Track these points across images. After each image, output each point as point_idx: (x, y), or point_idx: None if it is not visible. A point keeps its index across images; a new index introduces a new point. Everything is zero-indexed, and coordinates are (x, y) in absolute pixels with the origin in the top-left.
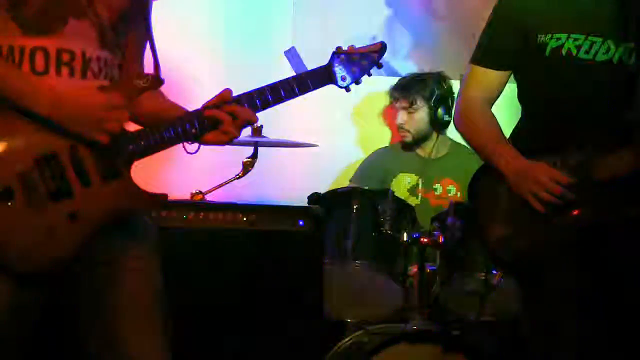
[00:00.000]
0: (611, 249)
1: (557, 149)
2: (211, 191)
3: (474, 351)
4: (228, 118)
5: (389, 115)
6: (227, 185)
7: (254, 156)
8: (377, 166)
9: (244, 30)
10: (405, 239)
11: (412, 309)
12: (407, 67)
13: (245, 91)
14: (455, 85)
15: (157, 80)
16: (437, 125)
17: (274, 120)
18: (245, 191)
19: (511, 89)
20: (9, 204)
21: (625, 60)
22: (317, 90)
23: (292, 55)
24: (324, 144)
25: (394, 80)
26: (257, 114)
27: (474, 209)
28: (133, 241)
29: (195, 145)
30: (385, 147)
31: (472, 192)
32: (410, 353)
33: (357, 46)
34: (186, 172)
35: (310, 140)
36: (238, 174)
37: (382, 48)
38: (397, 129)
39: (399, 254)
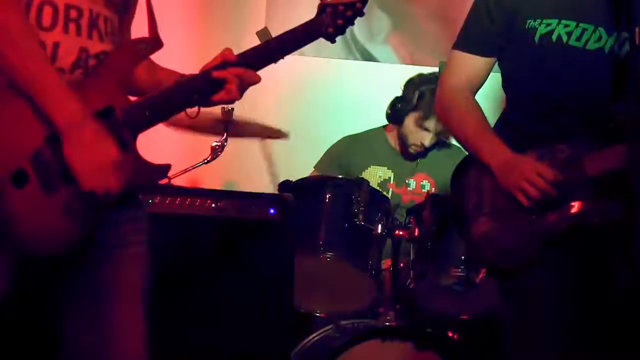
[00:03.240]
0: (597, 250)
1: (545, 141)
2: (178, 175)
3: (447, 349)
4: (235, 79)
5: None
6: (194, 169)
7: (224, 140)
8: (345, 156)
9: (216, 10)
10: (379, 231)
11: (384, 304)
12: (385, 51)
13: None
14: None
15: (157, 43)
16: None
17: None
18: (214, 177)
19: (496, 78)
20: (25, 189)
21: (616, 50)
22: (290, 74)
23: (264, 35)
24: (296, 131)
25: (370, 65)
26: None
27: (456, 203)
28: (135, 223)
29: (195, 109)
30: (356, 135)
31: (454, 185)
32: (381, 350)
33: None
34: (151, 155)
35: (281, 127)
36: (206, 159)
37: None
38: (404, 142)
39: (372, 247)
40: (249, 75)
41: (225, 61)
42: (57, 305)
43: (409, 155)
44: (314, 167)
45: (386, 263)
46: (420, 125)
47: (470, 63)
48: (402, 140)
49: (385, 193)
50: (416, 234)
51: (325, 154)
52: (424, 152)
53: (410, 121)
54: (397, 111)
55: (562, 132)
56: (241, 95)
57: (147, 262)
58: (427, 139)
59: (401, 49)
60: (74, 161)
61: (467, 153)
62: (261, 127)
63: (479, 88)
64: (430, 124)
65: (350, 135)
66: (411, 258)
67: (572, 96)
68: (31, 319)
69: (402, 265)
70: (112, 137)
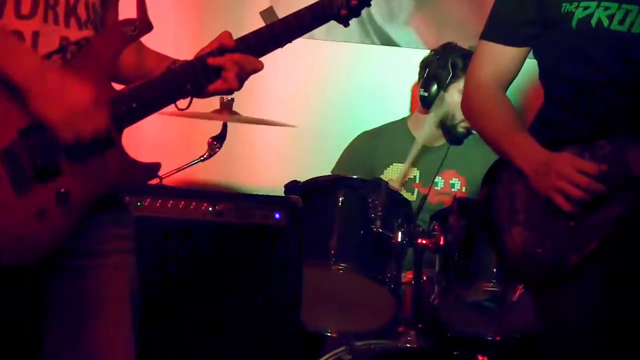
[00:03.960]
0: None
1: (586, 139)
2: (170, 174)
3: None
4: (233, 66)
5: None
6: (189, 168)
7: (222, 135)
8: (363, 154)
9: None
10: (399, 239)
11: (404, 322)
12: (406, 34)
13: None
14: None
15: (146, 25)
16: None
17: (248, 93)
18: (211, 176)
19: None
20: None
21: None
22: (298, 60)
23: (269, 16)
24: (305, 124)
25: (389, 50)
26: None
27: (486, 212)
28: (118, 229)
29: (187, 100)
30: (375, 129)
31: (485, 192)
32: None
33: None
34: (140, 152)
35: (288, 119)
36: (202, 156)
37: None
38: (449, 125)
39: (390, 257)
40: (249, 62)
41: (222, 46)
42: (35, 318)
43: (456, 138)
44: (331, 173)
45: (407, 276)
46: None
47: (501, 55)
48: (445, 123)
49: (410, 194)
50: (441, 242)
51: (342, 156)
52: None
53: (454, 93)
54: (433, 91)
55: (605, 128)
56: (241, 85)
57: (134, 273)
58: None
59: (425, 32)
60: (45, 113)
61: None
62: (265, 121)
63: (511, 82)
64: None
65: (367, 131)
66: (436, 270)
67: (618, 88)
68: (7, 332)
69: (425, 278)
70: (83, 78)
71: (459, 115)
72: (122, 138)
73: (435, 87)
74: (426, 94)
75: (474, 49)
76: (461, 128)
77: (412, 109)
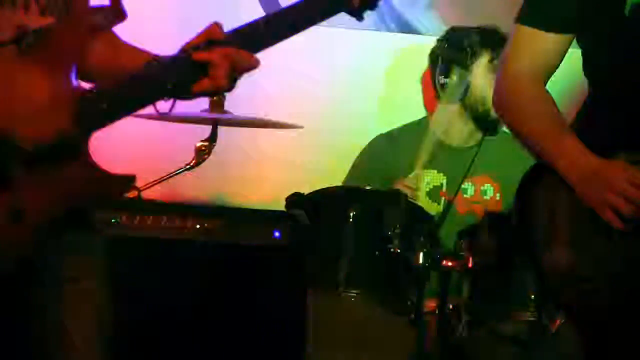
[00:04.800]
0: None
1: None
2: (150, 186)
3: None
4: (223, 62)
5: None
6: (172, 179)
7: (212, 139)
8: (380, 161)
9: None
10: (421, 261)
11: (428, 358)
12: (429, 20)
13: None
14: None
15: (118, 13)
16: None
17: (242, 89)
18: (199, 188)
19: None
20: None
21: None
22: (301, 50)
23: (268, 4)
24: (311, 125)
25: (409, 39)
26: None
27: (523, 226)
28: (87, 251)
29: (169, 103)
30: (392, 131)
31: (520, 203)
32: None
33: None
34: (114, 159)
35: (291, 119)
36: (189, 164)
37: None
38: (480, 113)
39: (410, 282)
40: (242, 57)
41: (211, 39)
42: None
43: (492, 126)
44: (343, 183)
45: (430, 304)
46: (495, 68)
47: (540, 42)
48: (477, 111)
49: (437, 205)
50: (470, 265)
51: (355, 163)
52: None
53: (478, 73)
54: (455, 75)
55: None
56: (231, 85)
57: (106, 302)
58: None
59: (452, 17)
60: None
61: None
62: (263, 123)
63: (551, 74)
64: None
65: (384, 134)
66: (463, 297)
67: None
68: None
69: (451, 307)
70: (40, 71)
71: (490, 97)
72: (91, 144)
73: (455, 70)
74: (446, 80)
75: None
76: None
77: (426, 107)
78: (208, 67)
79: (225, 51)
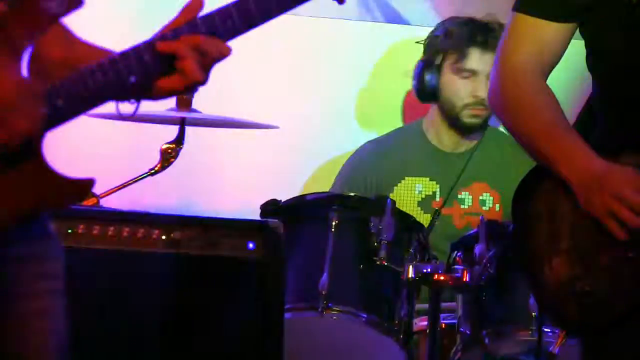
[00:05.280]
0: None
1: None
2: (111, 192)
3: None
4: (192, 53)
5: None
6: (136, 184)
7: (179, 141)
8: (368, 169)
9: None
10: (410, 274)
11: None
12: (419, 9)
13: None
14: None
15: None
16: None
17: (211, 85)
18: (165, 195)
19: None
20: None
21: None
22: (278, 42)
23: None
24: (288, 126)
25: (397, 30)
26: None
27: (521, 235)
28: (41, 264)
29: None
30: (382, 137)
31: (518, 209)
32: None
33: None
34: (70, 163)
35: (266, 119)
36: (153, 168)
37: None
38: (454, 117)
39: (399, 298)
40: (213, 46)
41: (178, 27)
42: None
43: (467, 128)
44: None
45: (420, 322)
46: (460, 68)
47: (541, 32)
48: (451, 115)
49: (428, 217)
50: (465, 279)
51: (341, 171)
52: (487, 119)
53: (446, 74)
54: (426, 77)
55: None
56: (204, 78)
57: (63, 323)
58: (479, 86)
59: (445, 5)
60: None
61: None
62: (236, 123)
63: (553, 67)
64: (473, 61)
65: (373, 140)
66: (458, 315)
67: None
68: None
69: (443, 325)
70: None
71: (459, 99)
72: (45, 145)
73: (426, 70)
74: (416, 82)
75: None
76: (468, 117)
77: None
78: (174, 59)
79: (194, 40)
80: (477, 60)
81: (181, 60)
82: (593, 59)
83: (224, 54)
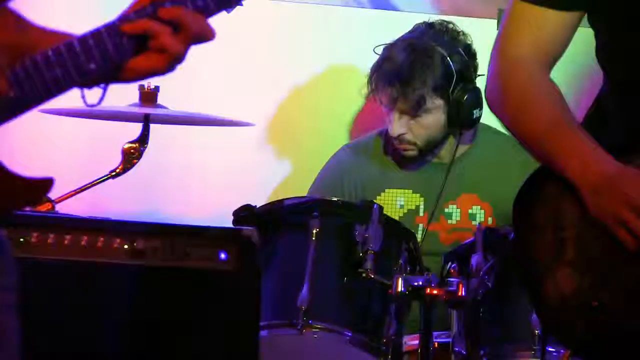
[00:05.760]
0: None
1: None
2: (68, 197)
3: None
4: (166, 33)
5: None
6: (95, 187)
7: (143, 140)
8: (347, 176)
9: None
10: (400, 288)
11: None
12: None
13: None
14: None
15: None
16: (460, 125)
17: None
18: (128, 200)
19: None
20: None
21: None
22: (253, 30)
23: None
24: (264, 124)
25: (386, 17)
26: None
27: (521, 245)
28: None
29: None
30: (358, 142)
31: (519, 216)
32: None
33: None
34: (23, 164)
35: (241, 116)
36: (114, 170)
37: None
38: (386, 135)
39: (387, 314)
40: (192, 23)
41: (153, 3)
42: None
43: (408, 163)
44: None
45: (411, 341)
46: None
47: (543, 20)
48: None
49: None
50: (461, 293)
51: (318, 177)
52: (421, 154)
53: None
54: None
55: None
56: (177, 60)
57: (15, 339)
58: (393, 124)
59: None
60: None
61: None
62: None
63: (557, 60)
64: (383, 97)
65: (350, 145)
66: (453, 333)
67: None
68: None
69: (436, 345)
70: None
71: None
72: None
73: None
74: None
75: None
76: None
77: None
78: (146, 40)
79: (171, 12)
80: (383, 95)
81: (154, 39)
82: (605, 52)
83: (208, 36)
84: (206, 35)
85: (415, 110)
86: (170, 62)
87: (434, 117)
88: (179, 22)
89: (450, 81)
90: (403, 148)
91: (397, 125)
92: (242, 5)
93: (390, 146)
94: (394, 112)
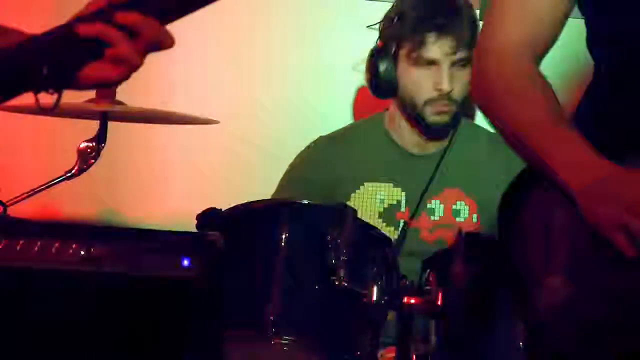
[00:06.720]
0: None
1: None
2: (19, 200)
3: None
4: (120, 35)
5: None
6: (49, 190)
7: (100, 138)
8: (320, 170)
9: None
10: (375, 297)
11: None
12: None
13: None
14: None
15: None
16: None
17: (138, 74)
18: (83, 203)
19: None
20: None
21: None
22: (220, 21)
23: None
24: (230, 122)
25: (369, 5)
26: None
27: (508, 252)
28: None
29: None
30: (337, 132)
31: (505, 219)
32: None
33: None
34: None
35: (204, 112)
36: (69, 171)
37: None
38: (416, 115)
39: (362, 325)
40: (153, 29)
41: (110, 4)
42: None
43: (432, 128)
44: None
45: (387, 354)
46: (418, 58)
47: (533, 6)
48: (412, 113)
49: (393, 229)
50: (440, 302)
51: (288, 172)
52: (456, 116)
53: (402, 65)
54: (381, 68)
55: None
56: (133, 70)
57: None
58: (443, 78)
59: None
60: None
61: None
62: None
63: (548, 50)
64: (434, 49)
65: (327, 135)
66: (431, 345)
67: None
68: None
69: (414, 357)
70: None
71: (420, 94)
72: None
73: (380, 61)
74: (370, 75)
75: None
76: (431, 115)
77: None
78: (102, 44)
79: (126, 17)
80: (435, 47)
81: (113, 46)
82: (597, 42)
83: (167, 44)
84: (165, 42)
85: (470, 43)
86: (126, 72)
87: (470, 71)
88: (136, 28)
89: (475, 33)
90: (447, 108)
91: (448, 80)
92: None
93: (421, 119)
94: (442, 65)
